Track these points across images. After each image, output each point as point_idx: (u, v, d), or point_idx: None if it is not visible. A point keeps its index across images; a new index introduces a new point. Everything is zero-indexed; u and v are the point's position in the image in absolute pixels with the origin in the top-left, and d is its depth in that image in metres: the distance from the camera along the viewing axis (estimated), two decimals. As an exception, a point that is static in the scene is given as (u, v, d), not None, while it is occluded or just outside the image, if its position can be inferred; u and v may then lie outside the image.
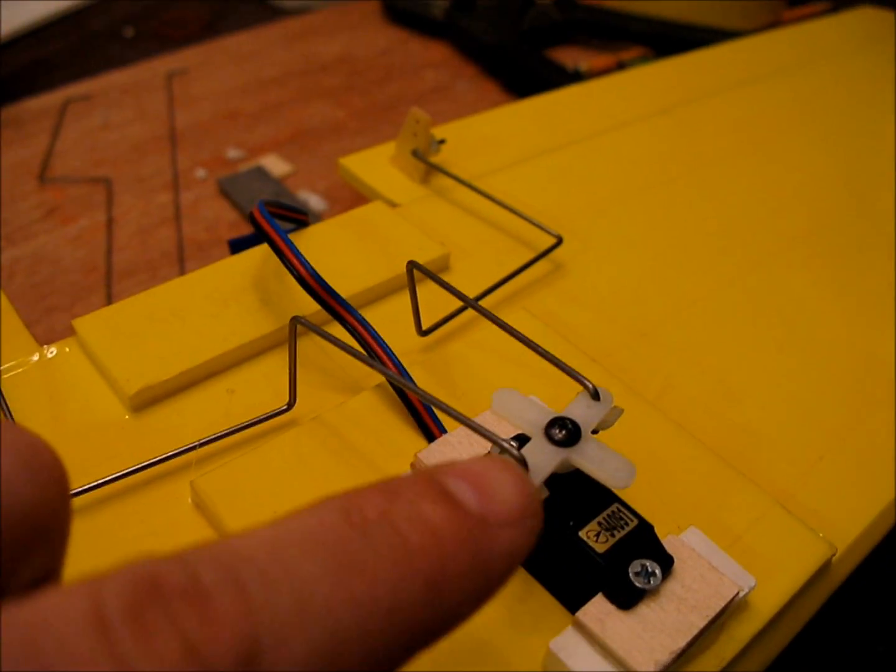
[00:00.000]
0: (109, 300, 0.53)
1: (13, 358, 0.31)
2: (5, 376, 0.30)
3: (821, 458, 0.32)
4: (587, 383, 0.25)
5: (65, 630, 0.12)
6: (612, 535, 0.25)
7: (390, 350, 0.30)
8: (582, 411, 0.25)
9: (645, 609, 0.24)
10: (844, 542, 0.29)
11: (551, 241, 0.38)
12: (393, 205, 0.40)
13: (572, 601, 0.25)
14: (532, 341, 0.28)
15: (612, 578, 0.24)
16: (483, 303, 0.34)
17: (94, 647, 0.12)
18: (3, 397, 0.29)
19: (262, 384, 0.31)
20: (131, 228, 0.58)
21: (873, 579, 0.33)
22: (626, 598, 0.24)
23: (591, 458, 0.23)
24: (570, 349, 0.33)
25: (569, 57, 0.74)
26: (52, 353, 0.32)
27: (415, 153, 0.40)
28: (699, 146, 0.50)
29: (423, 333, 0.33)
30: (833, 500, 0.31)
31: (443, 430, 0.29)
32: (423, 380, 0.31)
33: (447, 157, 0.42)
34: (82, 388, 0.31)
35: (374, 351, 0.29)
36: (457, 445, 0.27)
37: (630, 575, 0.24)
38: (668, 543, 0.25)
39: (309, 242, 0.35)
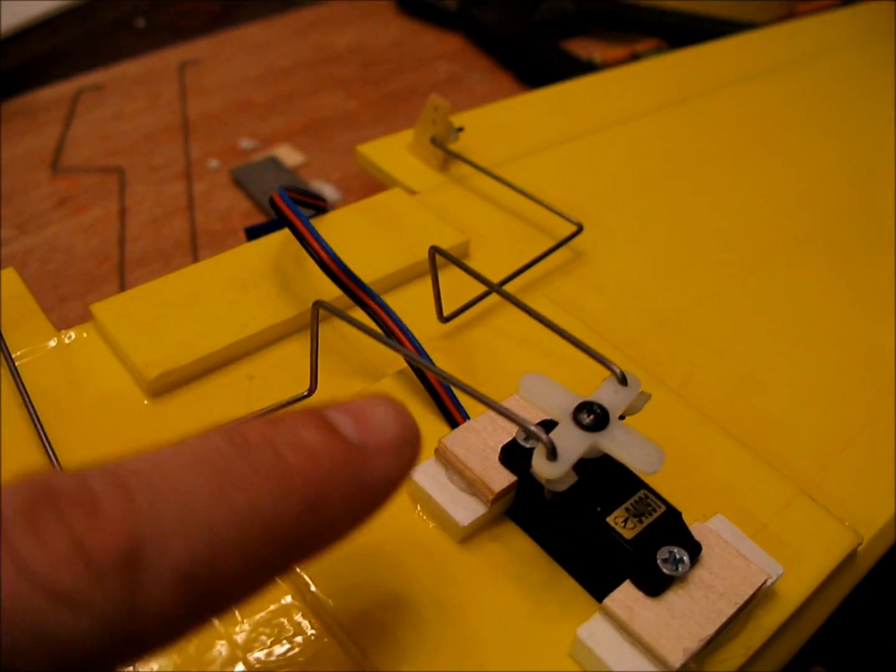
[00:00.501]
0: (122, 289, 0.52)
1: (31, 343, 0.31)
2: (23, 361, 0.30)
3: (846, 446, 0.32)
4: (615, 368, 0.25)
5: None
6: (640, 522, 0.24)
7: (412, 334, 0.29)
8: (609, 396, 0.25)
9: (673, 596, 0.23)
10: (870, 531, 0.29)
11: (571, 228, 0.37)
12: (412, 192, 0.39)
13: (599, 589, 0.25)
14: (558, 326, 0.28)
15: (640, 565, 0.24)
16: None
17: None
18: (22, 382, 0.29)
19: (281, 370, 0.31)
20: (144, 218, 0.58)
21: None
22: (654, 584, 0.23)
23: (620, 443, 0.23)
24: (593, 336, 0.32)
25: (583, 49, 0.73)
26: (70, 338, 0.32)
27: (433, 140, 0.40)
28: (715, 136, 0.49)
29: (445, 320, 0.32)
30: (858, 488, 0.31)
31: (465, 416, 0.28)
32: (445, 366, 0.30)
33: (465, 144, 0.42)
34: (100, 374, 0.30)
35: (395, 336, 0.29)
36: (481, 431, 0.27)
37: (658, 562, 0.24)
38: (696, 531, 0.25)
39: (328, 228, 0.35)
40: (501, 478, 0.26)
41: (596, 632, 0.23)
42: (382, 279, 0.34)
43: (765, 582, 0.24)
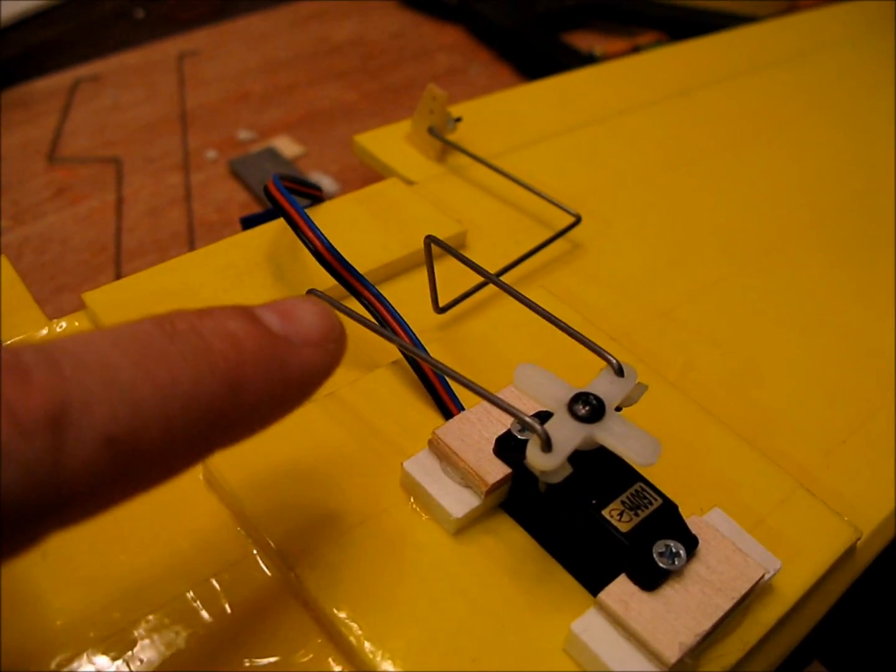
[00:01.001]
0: (118, 279, 0.52)
1: (21, 332, 0.30)
2: (14, 351, 0.30)
3: (845, 440, 0.31)
4: (611, 359, 0.25)
5: None
6: (636, 515, 0.24)
7: (406, 324, 0.29)
8: (605, 387, 0.24)
9: (669, 590, 0.23)
10: (869, 526, 0.29)
11: (569, 220, 0.37)
12: (409, 182, 0.39)
13: (594, 583, 0.25)
14: (554, 317, 0.27)
15: (636, 559, 0.23)
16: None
17: None
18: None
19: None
20: (141, 209, 0.58)
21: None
22: (650, 578, 0.23)
23: (616, 435, 0.23)
24: (590, 328, 0.32)
25: (583, 41, 0.73)
26: (61, 327, 0.31)
27: (431, 131, 0.40)
28: (715, 129, 0.49)
29: (440, 310, 0.32)
30: (857, 483, 0.30)
31: (460, 407, 0.28)
32: (441, 357, 0.30)
33: (463, 135, 0.42)
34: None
35: (390, 326, 0.29)
36: (476, 422, 0.26)
37: (654, 555, 0.23)
38: (692, 524, 0.25)
39: (324, 218, 0.35)
40: (496, 470, 0.25)
41: (590, 626, 0.23)
42: (378, 269, 0.33)
43: (762, 577, 0.24)
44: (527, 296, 0.28)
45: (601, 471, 0.25)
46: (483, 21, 0.74)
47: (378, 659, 0.22)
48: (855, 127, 0.52)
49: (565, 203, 0.37)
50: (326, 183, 0.58)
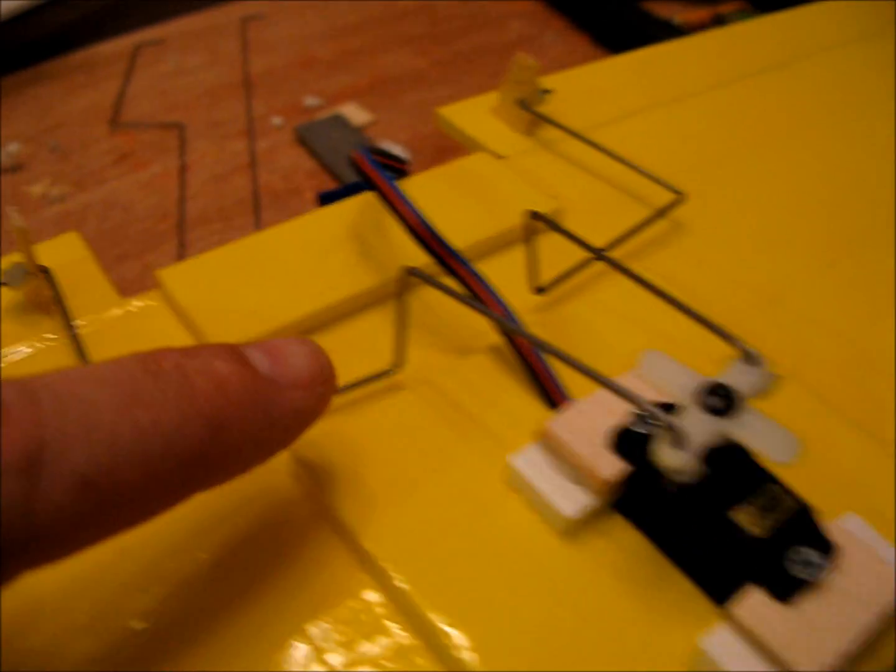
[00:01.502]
0: (182, 248, 0.50)
1: (94, 311, 0.29)
2: (85, 330, 0.28)
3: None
4: (742, 346, 0.23)
5: None
6: (768, 518, 0.22)
7: (504, 303, 0.27)
8: (737, 377, 0.22)
9: (806, 604, 0.21)
10: None
11: (669, 197, 0.35)
12: (498, 157, 0.37)
13: (718, 591, 0.22)
14: (674, 298, 0.25)
15: (768, 567, 0.21)
16: (601, 267, 0.31)
17: None
18: (84, 353, 0.27)
19: (362, 343, 0.29)
20: (205, 175, 0.56)
21: None
22: (785, 589, 0.21)
23: (753, 430, 0.21)
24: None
25: (662, 9, 0.70)
26: (135, 306, 0.30)
27: (520, 103, 0.38)
28: (820, 102, 0.46)
29: (539, 291, 0.30)
30: None
31: (564, 396, 0.26)
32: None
33: (551, 108, 0.39)
34: (168, 345, 0.28)
35: (486, 304, 0.27)
36: (589, 414, 0.24)
37: (788, 563, 0.21)
38: (829, 530, 0.22)
39: (411, 193, 0.32)
40: (613, 466, 0.23)
41: (721, 642, 0.21)
42: (469, 248, 0.31)
43: (910, 589, 0.22)
44: (628, 268, 0.27)
45: (729, 469, 0.23)
46: (556, -13, 0.71)
47: (483, 666, 0.21)
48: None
49: (662, 177, 0.35)
50: (397, 152, 0.56)
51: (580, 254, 0.29)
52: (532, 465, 0.24)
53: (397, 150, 0.56)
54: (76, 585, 0.21)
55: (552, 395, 0.26)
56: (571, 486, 0.24)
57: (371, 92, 0.62)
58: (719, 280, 0.33)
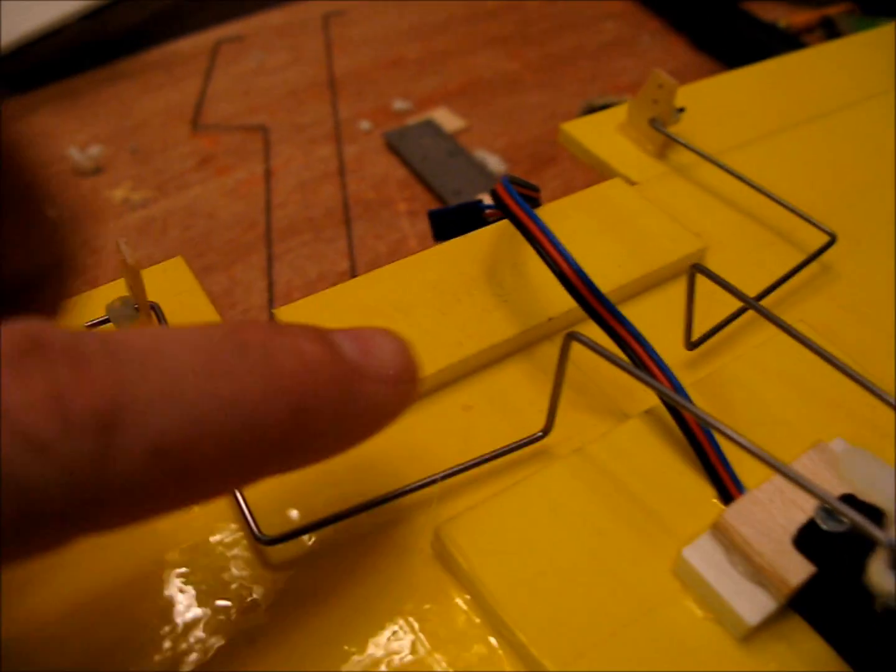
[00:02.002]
0: (270, 261, 0.48)
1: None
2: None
3: None
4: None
5: None
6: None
7: (670, 372, 0.24)
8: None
9: None
10: None
11: (815, 232, 0.32)
12: (629, 182, 0.34)
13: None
14: (840, 361, 0.23)
15: None
16: (750, 314, 0.28)
17: None
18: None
19: (501, 400, 0.26)
20: (291, 182, 0.54)
21: None
22: None
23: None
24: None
25: (766, 11, 0.67)
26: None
27: (653, 122, 0.35)
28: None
29: (692, 346, 0.27)
30: None
31: (740, 488, 0.23)
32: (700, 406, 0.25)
33: (680, 127, 0.37)
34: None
35: (648, 370, 0.24)
36: (768, 504, 0.22)
37: None
38: None
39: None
40: (798, 568, 0.21)
41: None
42: (612, 292, 0.29)
43: None
44: (789, 325, 0.24)
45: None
46: (652, -15, 0.68)
47: None
48: None
49: (806, 212, 0.32)
50: (493, 162, 0.53)
51: (724, 297, 0.26)
52: (707, 559, 0.21)
53: (492, 159, 0.53)
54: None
55: (726, 485, 0.23)
56: (751, 587, 0.21)
57: (462, 95, 0.60)
58: (875, 333, 0.30)
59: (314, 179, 0.54)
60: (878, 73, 0.44)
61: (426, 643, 0.21)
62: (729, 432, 0.20)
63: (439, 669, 0.21)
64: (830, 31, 0.64)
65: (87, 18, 0.62)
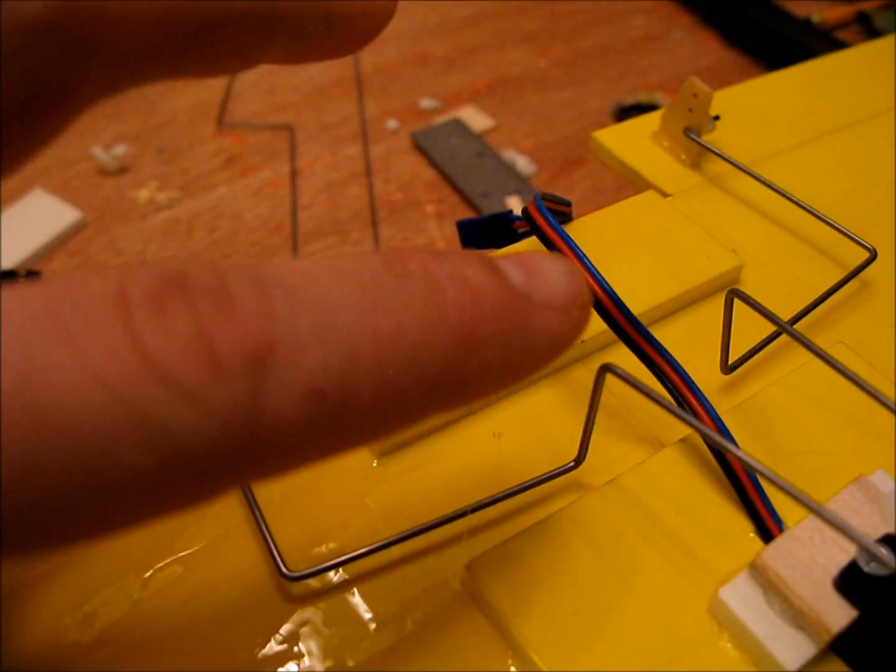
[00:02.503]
0: (296, 265, 0.48)
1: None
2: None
3: None
4: None
5: (87, 301, 0.12)
6: None
7: (711, 407, 0.24)
8: None
9: None
10: None
11: (854, 247, 0.31)
12: (663, 194, 0.33)
13: None
14: (884, 396, 0.22)
15: None
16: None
17: (111, 317, 0.12)
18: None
19: (533, 426, 0.26)
20: (318, 183, 0.53)
21: None
22: None
23: None
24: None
25: (799, 6, 0.66)
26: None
27: (687, 132, 0.34)
28: None
29: (729, 370, 0.27)
30: None
31: (780, 527, 0.23)
32: (737, 435, 0.25)
33: (715, 135, 0.36)
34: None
35: (689, 406, 0.24)
36: (808, 543, 0.21)
37: None
38: None
39: (576, 239, 0.29)
40: (839, 612, 0.20)
41: None
42: (644, 314, 0.28)
43: None
44: (826, 352, 0.23)
45: None
46: (683, -21, 0.67)
47: None
48: None
49: (843, 225, 0.31)
50: (522, 163, 0.52)
51: (762, 317, 0.26)
52: (745, 600, 0.21)
53: (521, 160, 0.52)
54: None
55: (765, 521, 0.23)
56: (790, 630, 0.20)
57: (490, 94, 0.59)
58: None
59: (341, 180, 0.53)
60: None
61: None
62: (769, 474, 0.20)
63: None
64: (866, 26, 0.63)
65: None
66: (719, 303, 0.26)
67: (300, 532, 0.23)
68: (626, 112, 0.57)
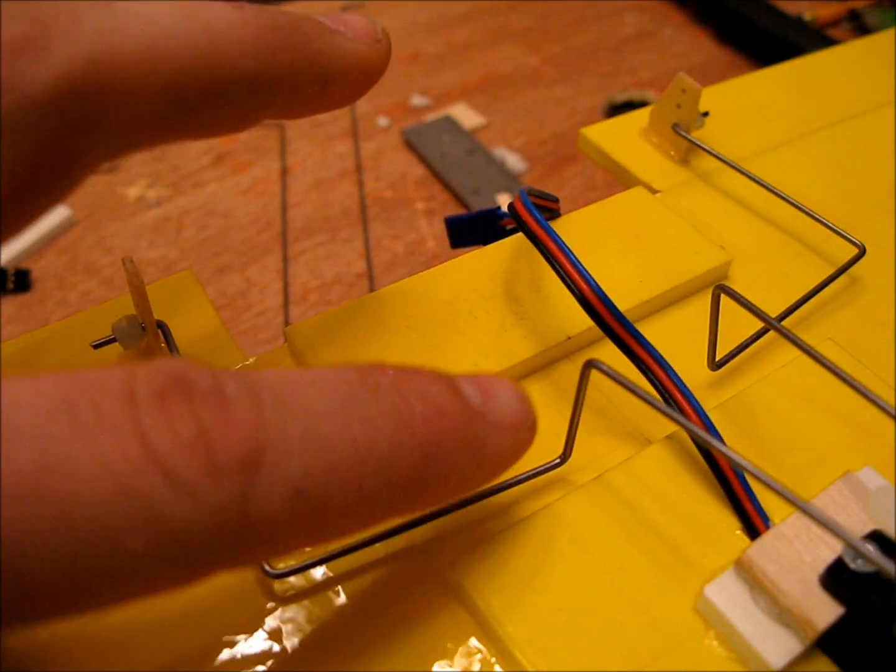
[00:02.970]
0: (286, 262, 0.48)
1: (219, 366, 0.26)
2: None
3: None
4: None
5: (99, 395, 0.13)
6: None
7: (697, 403, 0.23)
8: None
9: None
10: None
11: (843, 243, 0.31)
12: (652, 190, 0.33)
13: None
14: (871, 393, 0.22)
15: None
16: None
17: (121, 414, 0.13)
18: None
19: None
20: (308, 180, 0.53)
21: None
22: None
23: None
24: (887, 392, 0.26)
25: (791, 3, 0.65)
26: (261, 364, 0.27)
27: (676, 128, 0.34)
28: None
29: (716, 366, 0.27)
30: None
31: (767, 524, 0.23)
32: (724, 431, 0.24)
33: (704, 131, 0.36)
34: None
35: (675, 402, 0.23)
36: (794, 540, 0.21)
37: None
38: None
39: (565, 238, 0.29)
40: (826, 609, 0.20)
41: None
42: (630, 310, 0.28)
43: None
44: (813, 348, 0.23)
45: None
46: (675, -23, 0.67)
47: None
48: None
49: (832, 221, 0.31)
50: (512, 160, 0.52)
51: (749, 314, 0.25)
52: (730, 598, 0.21)
53: (511, 158, 0.52)
54: None
55: (751, 518, 0.23)
56: (776, 628, 0.20)
57: (481, 91, 0.59)
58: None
59: (331, 178, 0.53)
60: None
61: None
62: (756, 471, 0.20)
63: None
64: (857, 23, 0.63)
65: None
66: (707, 299, 0.26)
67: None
68: (617, 109, 0.57)
